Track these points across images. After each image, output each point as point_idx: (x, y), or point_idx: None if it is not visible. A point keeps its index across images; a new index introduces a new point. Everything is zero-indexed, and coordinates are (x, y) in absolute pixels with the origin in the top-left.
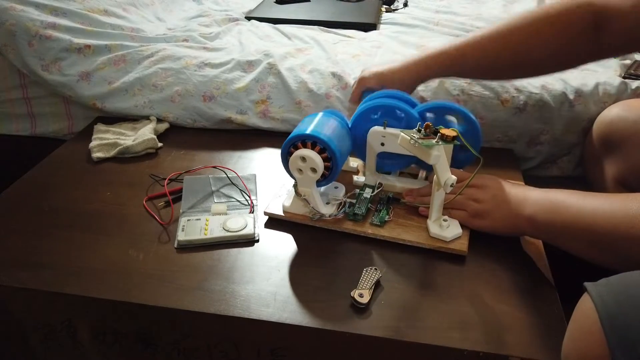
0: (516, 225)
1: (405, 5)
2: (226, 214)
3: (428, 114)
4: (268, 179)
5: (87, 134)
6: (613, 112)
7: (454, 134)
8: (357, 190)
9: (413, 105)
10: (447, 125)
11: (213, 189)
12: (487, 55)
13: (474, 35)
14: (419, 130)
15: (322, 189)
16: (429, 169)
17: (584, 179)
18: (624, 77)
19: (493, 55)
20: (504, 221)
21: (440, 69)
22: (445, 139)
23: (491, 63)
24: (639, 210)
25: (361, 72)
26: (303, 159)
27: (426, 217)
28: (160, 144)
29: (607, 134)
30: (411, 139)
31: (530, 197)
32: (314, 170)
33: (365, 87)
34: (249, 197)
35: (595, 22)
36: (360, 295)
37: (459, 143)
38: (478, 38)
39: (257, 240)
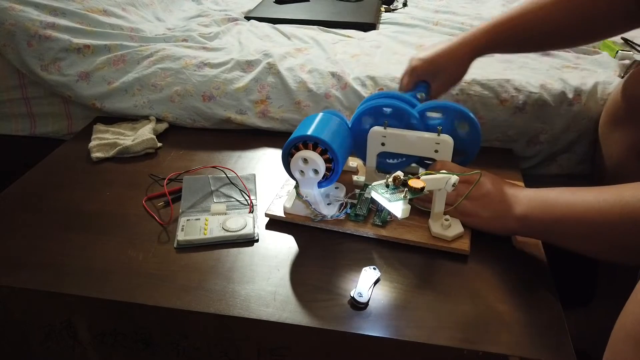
0: (505, 225)
1: (405, 5)
2: (226, 213)
3: (428, 114)
4: (267, 179)
5: (86, 134)
6: None
7: (422, 184)
8: (358, 191)
9: (413, 105)
10: (452, 126)
11: (212, 188)
12: (549, 22)
13: (528, 4)
14: (387, 185)
15: (323, 189)
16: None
17: (585, 177)
18: (623, 77)
19: (556, 21)
20: (492, 220)
21: (496, 42)
22: (413, 191)
23: (554, 29)
24: (632, 199)
25: (410, 60)
26: (305, 160)
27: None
28: (159, 144)
29: (636, 96)
30: (381, 195)
31: (521, 197)
32: (315, 171)
33: (420, 76)
34: (249, 197)
35: None
36: (360, 295)
37: (427, 192)
38: (534, 5)
39: (257, 240)
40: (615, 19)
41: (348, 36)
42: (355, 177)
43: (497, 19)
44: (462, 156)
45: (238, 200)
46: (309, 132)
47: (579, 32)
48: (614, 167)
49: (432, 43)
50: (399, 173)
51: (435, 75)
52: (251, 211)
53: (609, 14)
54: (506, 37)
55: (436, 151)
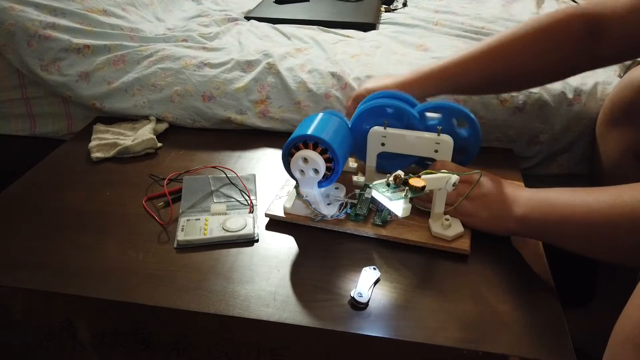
0: (504, 226)
1: (405, 5)
2: (226, 214)
3: (428, 114)
4: (267, 179)
5: (86, 134)
6: None
7: (423, 183)
8: (358, 191)
9: (413, 105)
10: (450, 126)
11: (212, 189)
12: (482, 72)
13: (465, 53)
14: (388, 184)
15: (323, 189)
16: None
17: (584, 176)
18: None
19: (487, 72)
20: (491, 221)
21: (434, 88)
22: (414, 190)
23: (485, 79)
24: (632, 200)
25: (357, 87)
26: (305, 160)
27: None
28: (159, 144)
29: (634, 96)
30: (382, 194)
31: (521, 198)
32: (316, 171)
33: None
34: (249, 197)
35: (590, 30)
36: (360, 295)
37: (427, 192)
38: (469, 55)
39: (257, 240)
40: (560, 63)
41: (348, 36)
42: (355, 177)
43: (439, 65)
44: (462, 156)
45: (238, 201)
46: (309, 132)
47: (521, 78)
48: (611, 167)
49: (382, 74)
50: (400, 172)
51: None
52: (251, 211)
53: (553, 58)
54: (444, 84)
55: (436, 151)
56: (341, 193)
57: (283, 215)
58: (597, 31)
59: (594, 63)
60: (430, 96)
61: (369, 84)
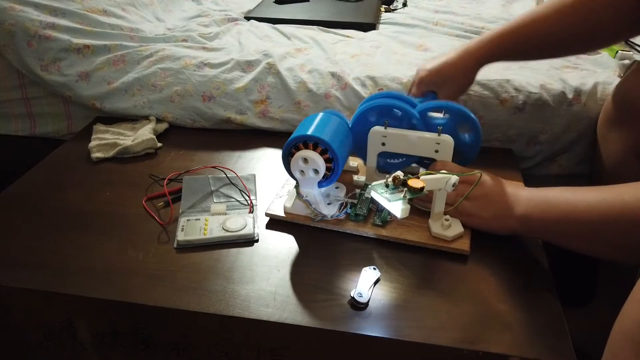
0: (505, 225)
1: (405, 5)
2: (225, 214)
3: (431, 114)
4: (267, 179)
5: (86, 134)
6: None
7: (422, 184)
8: (358, 191)
9: (413, 105)
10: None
11: (212, 189)
12: (550, 32)
13: (530, 14)
14: (387, 185)
15: (323, 189)
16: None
17: (585, 176)
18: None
19: (557, 31)
20: (492, 220)
21: (500, 51)
22: (413, 191)
23: (555, 39)
24: (632, 199)
25: (417, 72)
26: (305, 160)
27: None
28: (159, 144)
29: (633, 98)
30: (380, 195)
31: (522, 197)
32: (315, 171)
33: (427, 86)
34: (249, 197)
35: None
36: (360, 295)
37: (426, 192)
38: (536, 15)
39: (257, 240)
40: (619, 27)
41: (348, 36)
42: (355, 177)
43: (502, 28)
44: (462, 156)
45: (238, 201)
46: (309, 132)
47: (583, 41)
48: (612, 167)
49: (439, 54)
50: (399, 173)
51: (442, 85)
52: (251, 211)
53: (613, 22)
54: (510, 46)
55: (436, 151)
56: (341, 193)
57: (283, 215)
58: None
59: (635, 31)
60: (492, 62)
61: (429, 64)
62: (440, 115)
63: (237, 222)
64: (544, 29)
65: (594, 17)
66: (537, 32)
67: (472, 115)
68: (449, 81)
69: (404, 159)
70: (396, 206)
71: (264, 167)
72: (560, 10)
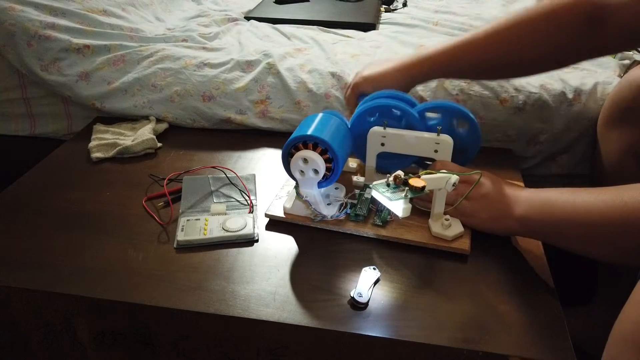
0: (505, 226)
1: (404, 5)
2: (225, 214)
3: (428, 114)
4: (267, 179)
5: (86, 134)
6: None
7: (423, 184)
8: (358, 191)
9: (413, 105)
10: (450, 126)
11: (212, 189)
12: (482, 56)
13: (469, 36)
14: (388, 185)
15: (323, 190)
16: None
17: (585, 177)
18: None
19: (488, 55)
20: (491, 221)
21: (435, 71)
22: (414, 190)
23: (486, 63)
24: (632, 200)
25: (354, 75)
26: (305, 160)
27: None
28: (159, 144)
29: (634, 96)
30: (382, 194)
31: (521, 198)
32: (315, 171)
33: (360, 92)
34: (249, 197)
35: (592, 17)
36: (360, 295)
37: (427, 192)
38: (473, 38)
39: (257, 240)
40: (560, 50)
41: (348, 36)
42: (355, 178)
43: (441, 47)
44: (462, 156)
45: (238, 201)
46: (309, 132)
47: (517, 65)
48: (612, 167)
49: (379, 60)
50: (400, 172)
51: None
52: (251, 211)
53: (550, 45)
54: (443, 68)
55: (436, 151)
56: (341, 193)
57: (283, 216)
58: (599, 19)
59: (594, 52)
60: (429, 80)
61: (367, 72)
62: (435, 115)
63: (237, 222)
64: (478, 52)
65: (531, 39)
66: (473, 54)
67: (472, 115)
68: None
69: (404, 159)
70: (398, 205)
71: (264, 167)
72: (496, 33)
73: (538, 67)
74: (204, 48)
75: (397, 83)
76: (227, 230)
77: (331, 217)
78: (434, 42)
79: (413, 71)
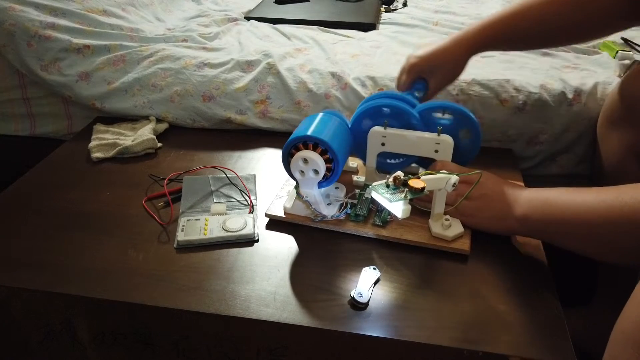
0: (505, 226)
1: (405, 5)
2: (226, 214)
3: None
4: (267, 179)
5: (86, 134)
6: None
7: (422, 184)
8: (358, 191)
9: (413, 105)
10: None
11: (212, 189)
12: (539, 22)
13: (520, 5)
14: (388, 186)
15: (323, 190)
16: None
17: (585, 177)
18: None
19: (544, 22)
20: (491, 221)
21: (492, 40)
22: (413, 191)
23: (546, 28)
24: (632, 200)
25: (407, 58)
26: (305, 160)
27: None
28: (159, 144)
29: (634, 96)
30: (381, 195)
31: (522, 198)
32: (315, 171)
33: (418, 73)
34: (249, 197)
35: None
36: (360, 295)
37: (427, 193)
38: (526, 5)
39: (257, 240)
40: (611, 17)
41: (348, 36)
42: (355, 177)
43: (493, 17)
44: (462, 157)
45: (238, 201)
46: (309, 132)
47: (574, 31)
48: (612, 168)
49: (429, 41)
50: (399, 173)
51: (433, 72)
52: (251, 211)
53: (605, 12)
54: (501, 35)
55: (436, 151)
56: (341, 193)
57: (283, 216)
58: None
59: (627, 22)
60: (483, 51)
61: (420, 52)
62: (445, 116)
63: (237, 222)
64: (536, 17)
65: (584, 7)
66: (529, 20)
67: (472, 115)
68: (440, 69)
69: (404, 159)
70: (397, 206)
71: (264, 167)
72: (550, 0)
73: (591, 33)
74: (204, 48)
75: (452, 57)
76: (227, 230)
77: (331, 217)
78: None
79: (468, 43)
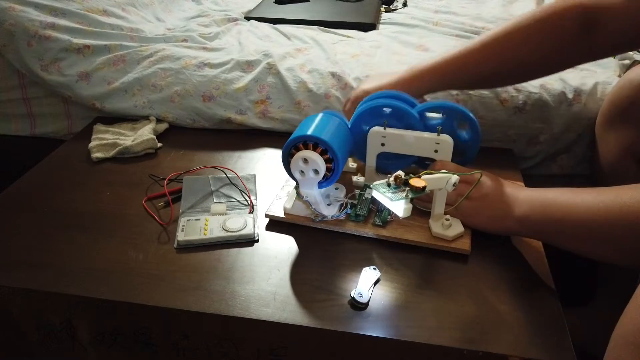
0: (505, 226)
1: (405, 5)
2: (226, 214)
3: (428, 114)
4: (267, 179)
5: (86, 134)
6: None
7: (423, 184)
8: (358, 191)
9: (413, 105)
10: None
11: (212, 189)
12: (478, 67)
13: (465, 48)
14: (389, 185)
15: (323, 190)
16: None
17: (584, 177)
18: None
19: (484, 67)
20: (491, 221)
21: (434, 83)
22: (414, 190)
23: (483, 74)
24: (631, 201)
25: (354, 90)
26: (305, 160)
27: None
28: (159, 144)
29: (632, 96)
30: (382, 194)
31: (522, 198)
32: (316, 171)
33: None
34: (249, 197)
35: (585, 22)
36: (360, 295)
37: (428, 192)
38: (469, 49)
39: (257, 240)
40: (553, 56)
41: (348, 36)
42: (355, 178)
43: (436, 61)
44: (462, 157)
45: (238, 201)
46: (309, 132)
47: (530, 68)
48: (610, 168)
49: (379, 73)
50: (400, 172)
51: None
52: (251, 211)
53: (560, 50)
54: (440, 81)
55: (436, 151)
56: (341, 193)
57: (283, 216)
58: (592, 24)
59: (589, 56)
60: (427, 93)
61: (366, 85)
62: (437, 115)
63: (237, 222)
64: (475, 62)
65: (528, 48)
66: (468, 66)
67: (470, 113)
68: None
69: (404, 159)
70: (398, 206)
71: (264, 167)
72: (493, 42)
73: (537, 72)
74: (204, 48)
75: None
76: (228, 231)
77: (331, 217)
78: (435, 42)
79: (412, 85)
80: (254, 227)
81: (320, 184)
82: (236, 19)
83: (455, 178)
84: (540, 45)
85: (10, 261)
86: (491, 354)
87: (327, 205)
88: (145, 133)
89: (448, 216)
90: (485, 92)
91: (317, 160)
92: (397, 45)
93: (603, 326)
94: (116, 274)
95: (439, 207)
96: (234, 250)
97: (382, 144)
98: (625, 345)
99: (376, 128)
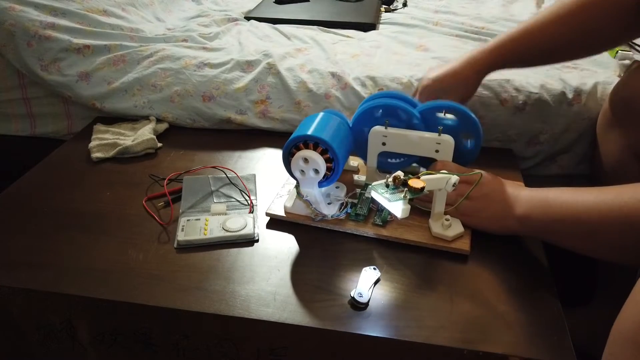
0: (505, 226)
1: (405, 5)
2: (226, 214)
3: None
4: (267, 179)
5: (86, 134)
6: None
7: (422, 184)
8: (359, 190)
9: (414, 105)
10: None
11: (212, 189)
12: (551, 40)
13: (533, 22)
14: (387, 185)
15: (324, 189)
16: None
17: (585, 177)
18: None
19: (558, 39)
20: (491, 220)
21: (502, 60)
22: (413, 191)
23: (556, 46)
24: (631, 200)
25: (420, 80)
26: (305, 160)
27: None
28: (159, 144)
29: (633, 96)
30: (381, 195)
31: (522, 197)
32: (316, 171)
33: (430, 94)
34: (249, 197)
35: None
36: (360, 295)
37: (427, 192)
38: (540, 23)
39: (257, 240)
40: (616, 32)
41: (348, 36)
42: (356, 177)
43: (503, 37)
44: (462, 158)
45: (238, 201)
46: (310, 132)
47: (582, 47)
48: (611, 168)
49: (439, 63)
50: (399, 173)
51: (445, 94)
52: (251, 211)
53: (610, 28)
54: (511, 55)
55: (437, 151)
56: (342, 192)
57: (284, 215)
58: None
59: (633, 33)
60: (494, 70)
61: (433, 73)
62: (449, 116)
63: (237, 222)
64: (545, 36)
65: (593, 23)
66: (537, 40)
67: (473, 115)
68: (451, 91)
69: (405, 158)
70: (396, 206)
71: (264, 167)
72: (559, 17)
73: (600, 46)
74: (204, 48)
75: (463, 79)
76: (228, 230)
77: (332, 216)
78: (435, 42)
79: (478, 65)
80: (254, 227)
81: (321, 184)
82: (236, 19)
83: (454, 179)
84: (618, 16)
85: (10, 261)
86: (491, 354)
87: (328, 204)
88: (145, 133)
89: (448, 216)
90: (485, 92)
91: (318, 160)
92: (397, 45)
93: (603, 326)
94: (116, 274)
95: (439, 207)
96: (234, 250)
97: (383, 144)
98: (623, 342)
99: (377, 127)
